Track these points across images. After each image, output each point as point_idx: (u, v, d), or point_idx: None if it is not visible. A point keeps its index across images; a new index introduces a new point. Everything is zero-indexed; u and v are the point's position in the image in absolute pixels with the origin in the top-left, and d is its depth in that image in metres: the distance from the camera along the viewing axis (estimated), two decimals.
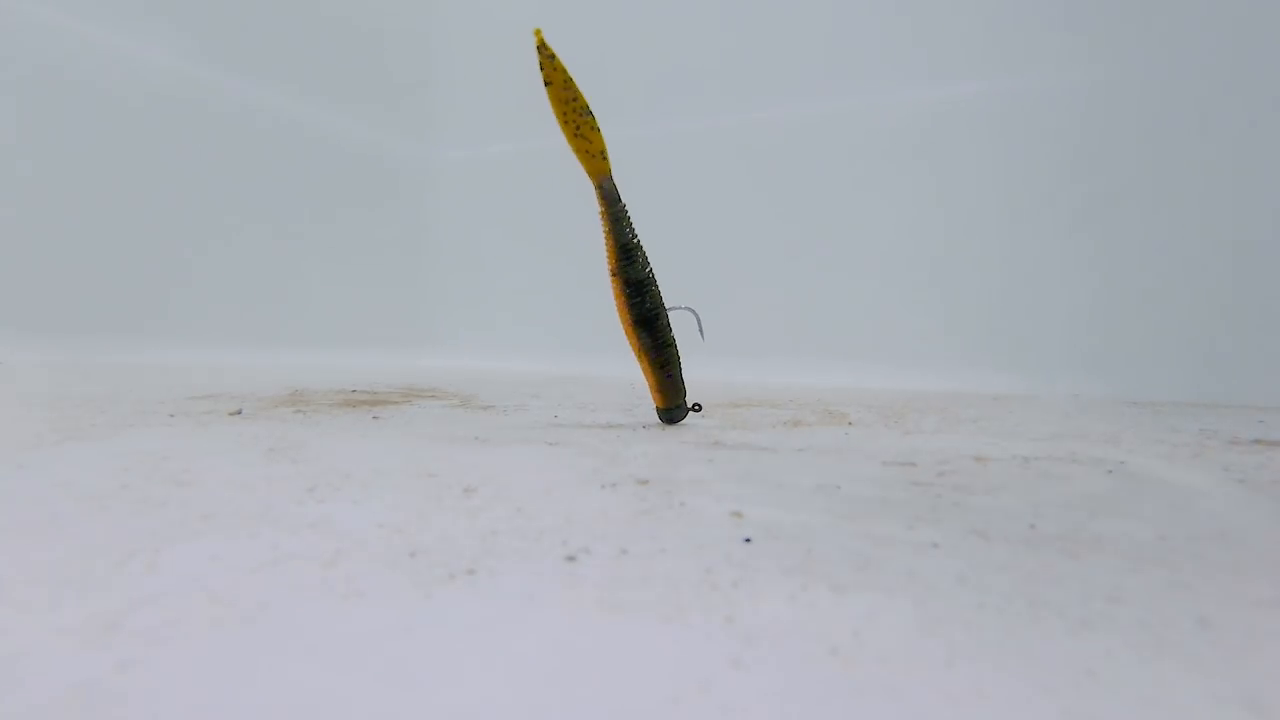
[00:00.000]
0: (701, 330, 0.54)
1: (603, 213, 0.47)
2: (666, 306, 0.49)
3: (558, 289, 1.49)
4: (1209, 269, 1.02)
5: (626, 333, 0.49)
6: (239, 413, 0.50)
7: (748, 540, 0.23)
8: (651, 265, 0.49)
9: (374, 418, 0.52)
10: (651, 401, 0.52)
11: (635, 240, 0.48)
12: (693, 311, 0.52)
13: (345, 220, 1.45)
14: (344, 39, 1.44)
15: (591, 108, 0.46)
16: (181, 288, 1.17)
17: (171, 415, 0.48)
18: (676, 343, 0.50)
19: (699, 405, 0.53)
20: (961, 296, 1.16)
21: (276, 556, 0.20)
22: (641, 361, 0.50)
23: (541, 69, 0.45)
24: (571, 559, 0.20)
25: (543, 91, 0.47)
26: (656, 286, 0.49)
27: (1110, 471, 0.37)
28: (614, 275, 0.48)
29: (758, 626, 0.16)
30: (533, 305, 1.52)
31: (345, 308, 1.45)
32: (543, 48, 0.45)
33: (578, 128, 0.46)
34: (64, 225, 1.03)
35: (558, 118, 0.45)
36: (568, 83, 0.45)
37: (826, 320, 1.25)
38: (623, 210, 0.47)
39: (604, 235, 0.47)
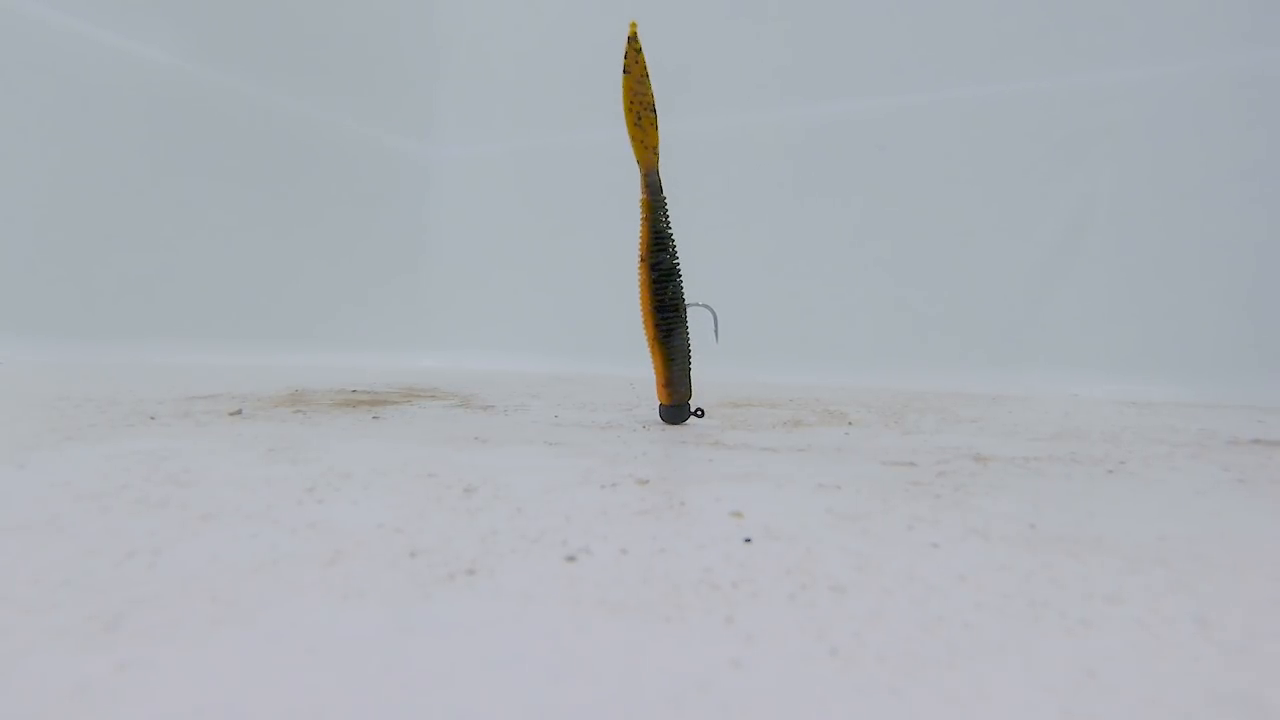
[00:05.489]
0: (717, 331, 0.55)
1: (644, 200, 0.50)
2: (687, 303, 0.51)
3: (558, 289, 1.49)
4: (1209, 269, 1.02)
5: (645, 321, 0.51)
6: (239, 413, 0.50)
7: (748, 540, 0.23)
8: (679, 260, 0.51)
9: (374, 418, 0.52)
10: (653, 401, 0.52)
11: (669, 231, 0.50)
12: (711, 311, 0.53)
13: (345, 219, 1.45)
14: (344, 38, 1.44)
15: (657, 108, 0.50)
16: (181, 288, 1.17)
17: (171, 415, 0.48)
18: (690, 341, 0.51)
19: (701, 410, 0.53)
20: (961, 296, 1.16)
21: (276, 556, 0.20)
22: (654, 353, 0.51)
23: (625, 57, 0.49)
24: (571, 559, 0.20)
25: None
26: (681, 280, 0.51)
27: (1110, 471, 0.37)
28: (643, 261, 0.50)
29: (758, 626, 0.16)
30: (533, 305, 1.52)
31: (345, 308, 1.45)
32: (633, 39, 0.48)
33: (639, 118, 0.49)
34: (64, 225, 1.03)
35: (624, 104, 0.49)
36: (643, 78, 0.49)
37: (826, 320, 1.25)
38: (663, 201, 0.50)
39: (641, 222, 0.50)
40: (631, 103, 0.49)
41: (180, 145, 1.16)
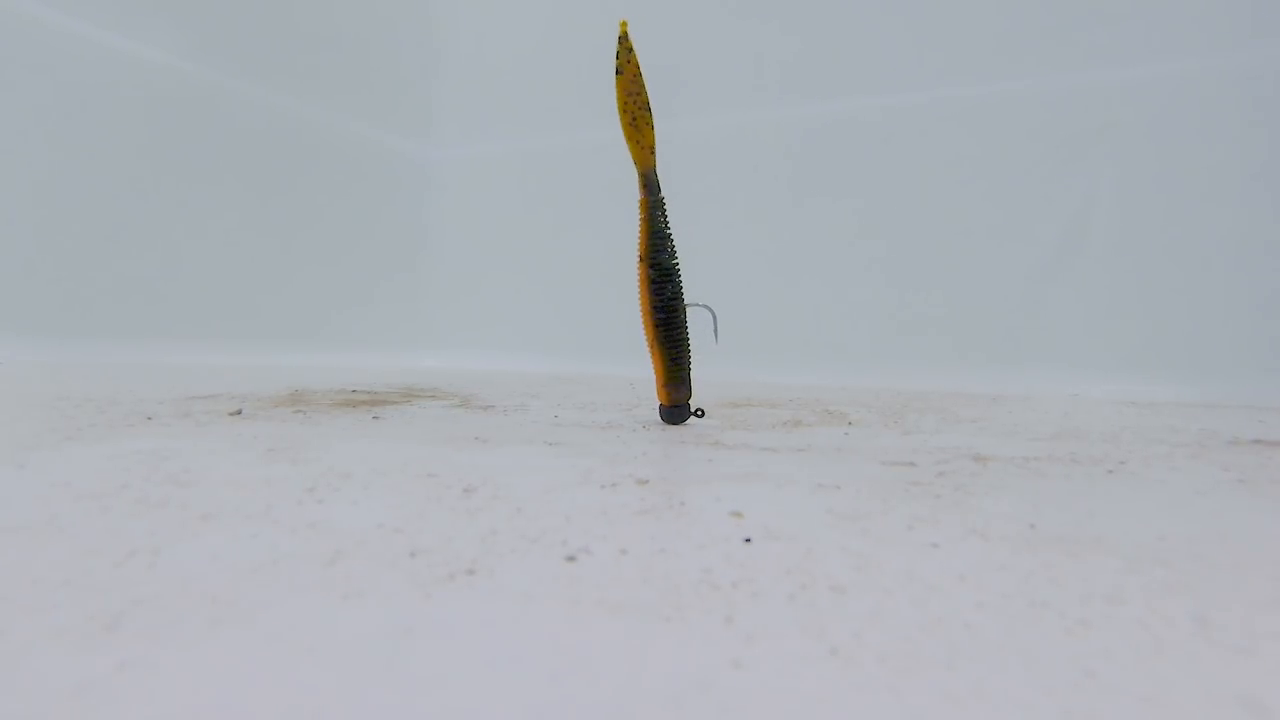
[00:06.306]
0: (716, 331, 0.55)
1: (642, 200, 0.50)
2: (687, 302, 0.51)
3: (558, 289, 1.49)
4: (1210, 269, 1.02)
5: (644, 320, 0.50)
6: (239, 413, 0.50)
7: (748, 540, 0.23)
8: (678, 259, 0.51)
9: (374, 418, 0.52)
10: (653, 401, 0.52)
11: (668, 231, 0.50)
12: (711, 311, 0.53)
13: (345, 220, 1.45)
14: (344, 39, 1.44)
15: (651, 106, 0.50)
16: (181, 288, 1.17)
17: (171, 415, 0.48)
18: (689, 341, 0.51)
19: (701, 411, 0.53)
20: (961, 296, 1.16)
21: (276, 556, 0.20)
22: (653, 354, 0.51)
23: (618, 57, 0.48)
24: (571, 559, 0.20)
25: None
26: (680, 279, 0.50)
27: (1110, 471, 0.37)
28: (642, 260, 0.50)
29: (758, 626, 0.16)
30: (533, 305, 1.52)
31: (345, 308, 1.45)
32: (624, 39, 0.48)
33: (634, 118, 0.49)
34: (64, 225, 1.03)
35: (619, 105, 0.49)
36: (636, 77, 0.49)
37: (826, 320, 1.25)
38: (661, 201, 0.50)
39: (639, 222, 0.50)
40: (626, 103, 0.49)
41: (180, 145, 1.16)
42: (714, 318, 0.55)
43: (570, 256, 1.48)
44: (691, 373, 0.52)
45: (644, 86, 0.49)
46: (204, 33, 1.19)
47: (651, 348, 0.51)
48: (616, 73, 0.48)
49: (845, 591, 0.19)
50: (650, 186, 0.50)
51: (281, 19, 1.32)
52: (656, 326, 0.50)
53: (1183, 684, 0.14)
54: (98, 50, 1.05)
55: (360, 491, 0.28)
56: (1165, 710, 0.13)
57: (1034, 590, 0.19)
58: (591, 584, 0.19)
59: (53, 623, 0.15)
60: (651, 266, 0.50)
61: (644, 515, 0.25)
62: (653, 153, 0.50)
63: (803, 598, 0.18)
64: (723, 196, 1.33)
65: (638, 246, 0.50)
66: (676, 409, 0.52)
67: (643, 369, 0.54)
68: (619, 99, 0.49)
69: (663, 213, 0.50)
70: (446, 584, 0.18)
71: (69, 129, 1.03)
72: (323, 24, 1.39)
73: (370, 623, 0.16)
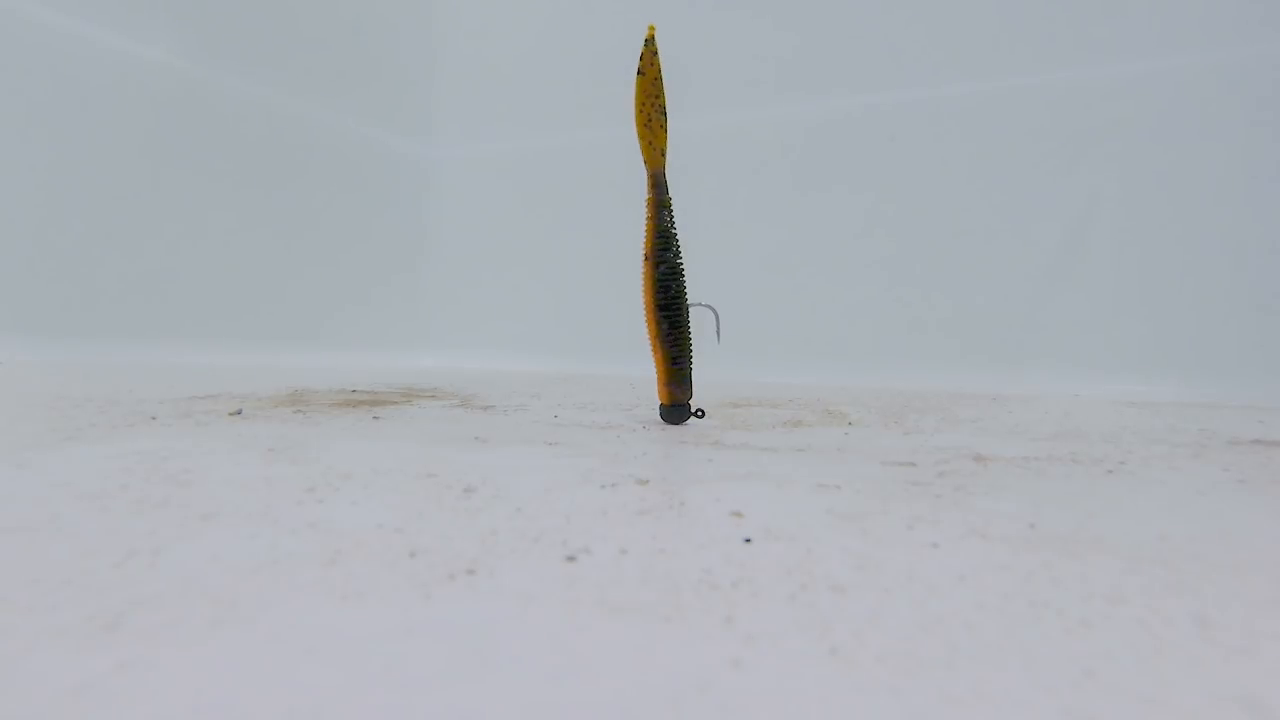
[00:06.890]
0: (719, 331, 0.55)
1: (650, 200, 0.51)
2: (690, 302, 0.52)
3: (558, 289, 1.49)
4: (1211, 269, 1.02)
5: (647, 319, 0.51)
6: (239, 413, 0.50)
7: (748, 540, 0.23)
8: (683, 259, 0.51)
9: (374, 418, 0.52)
10: (653, 401, 0.52)
11: (673, 230, 0.51)
12: (713, 311, 0.54)
13: (345, 220, 1.45)
14: (344, 38, 1.44)
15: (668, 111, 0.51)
16: (181, 288, 1.17)
17: (171, 415, 0.48)
18: (691, 341, 0.52)
19: (701, 411, 0.53)
20: (962, 296, 1.16)
21: (276, 556, 0.20)
22: (655, 352, 0.51)
23: (641, 59, 0.49)
24: (571, 559, 0.20)
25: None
26: (684, 279, 0.51)
27: (1110, 471, 0.37)
28: (647, 259, 0.50)
29: (758, 626, 0.16)
30: (533, 305, 1.52)
31: (345, 308, 1.45)
32: (650, 42, 0.49)
33: (649, 119, 0.50)
34: (64, 225, 1.03)
35: (636, 105, 0.50)
36: (657, 80, 0.50)
37: (826, 320, 1.25)
38: (668, 201, 0.51)
39: (646, 221, 0.51)
40: (644, 104, 0.50)
41: (180, 145, 1.16)
42: (716, 318, 0.55)
43: (570, 256, 1.48)
44: (692, 373, 0.52)
45: (663, 90, 0.50)
46: (204, 33, 1.19)
47: (653, 347, 0.51)
48: (639, 73, 0.49)
49: (845, 591, 0.19)
50: (659, 186, 0.51)
51: (281, 19, 1.32)
52: (659, 325, 0.50)
53: (1183, 684, 0.14)
54: (98, 50, 1.05)
55: (360, 491, 0.28)
56: (1165, 710, 0.13)
57: (1034, 590, 0.19)
58: (591, 584, 0.19)
59: (53, 623, 0.15)
60: (656, 265, 0.50)
61: (644, 515, 0.25)
62: (663, 155, 0.51)
63: (803, 598, 0.18)
64: (724, 196, 1.33)
65: (643, 245, 0.51)
66: (677, 409, 0.52)
67: (642, 368, 0.54)
68: (637, 99, 0.50)
69: (669, 212, 0.51)
70: (446, 584, 0.18)
71: (69, 129, 1.03)
72: (322, 23, 1.39)
73: (370, 623, 0.16)
